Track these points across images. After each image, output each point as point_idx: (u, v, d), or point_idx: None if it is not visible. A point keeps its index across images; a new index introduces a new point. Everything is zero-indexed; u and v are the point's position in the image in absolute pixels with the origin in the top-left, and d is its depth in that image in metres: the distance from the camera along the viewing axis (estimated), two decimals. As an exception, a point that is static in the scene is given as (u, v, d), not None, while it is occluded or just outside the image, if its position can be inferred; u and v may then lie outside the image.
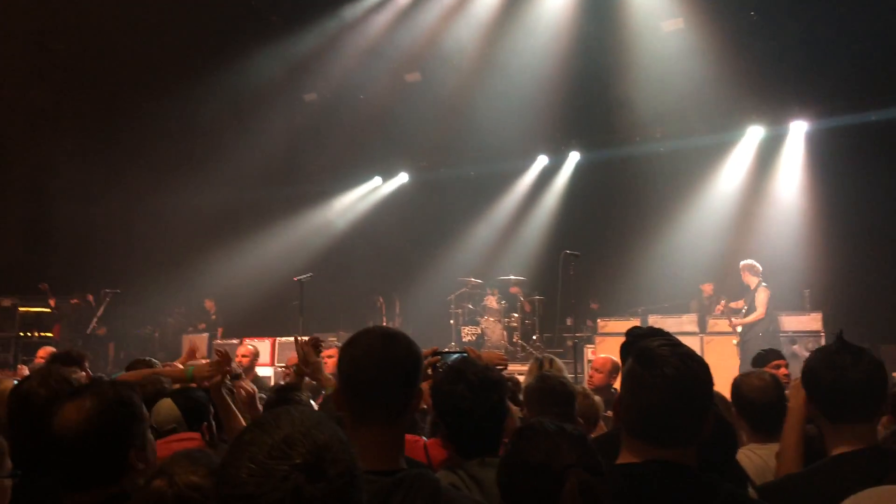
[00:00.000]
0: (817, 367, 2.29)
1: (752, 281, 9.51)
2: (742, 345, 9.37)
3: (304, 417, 1.18)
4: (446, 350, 3.02)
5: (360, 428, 1.81)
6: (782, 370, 4.77)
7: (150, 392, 3.55)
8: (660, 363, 1.85)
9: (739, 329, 9.47)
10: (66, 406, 1.99)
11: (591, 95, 12.00)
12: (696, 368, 1.86)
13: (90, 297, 12.34)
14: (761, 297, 9.35)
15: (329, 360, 6.32)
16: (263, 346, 11.15)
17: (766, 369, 4.69)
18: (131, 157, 13.14)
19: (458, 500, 1.81)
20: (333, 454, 1.14)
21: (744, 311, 9.56)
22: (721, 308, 9.75)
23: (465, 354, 2.96)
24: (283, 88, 13.29)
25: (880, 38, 9.50)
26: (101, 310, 11.81)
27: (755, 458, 2.95)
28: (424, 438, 2.91)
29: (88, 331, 11.71)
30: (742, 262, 9.62)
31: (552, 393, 3.18)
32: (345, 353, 1.89)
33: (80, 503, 1.95)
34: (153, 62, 12.30)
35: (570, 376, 4.78)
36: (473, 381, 2.42)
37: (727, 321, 9.65)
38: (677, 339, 1.96)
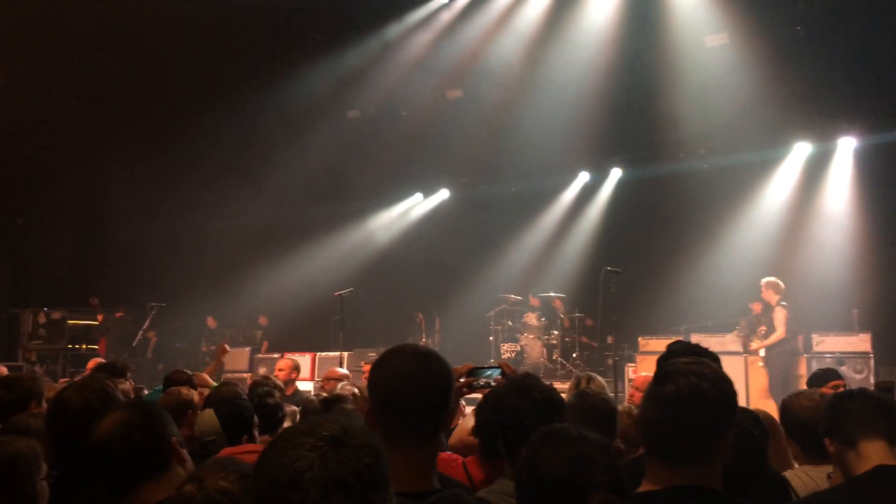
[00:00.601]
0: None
1: (773, 299, 9.40)
2: (766, 365, 9.33)
3: (332, 416, 1.36)
4: (482, 366, 3.00)
5: (392, 449, 1.75)
6: (841, 391, 4.62)
7: (224, 396, 3.66)
8: (666, 380, 1.86)
9: (762, 353, 9.38)
10: (104, 419, 2.17)
11: (634, 111, 11.91)
12: (706, 387, 1.83)
13: (119, 314, 12.60)
14: (780, 317, 9.25)
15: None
16: (304, 360, 11.25)
17: (825, 390, 4.56)
18: (179, 173, 13.42)
19: None
20: (356, 432, 1.28)
21: (762, 332, 9.48)
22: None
23: (500, 370, 2.95)
24: (327, 106, 13.45)
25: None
26: (147, 323, 12.04)
27: (807, 480, 2.88)
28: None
29: (134, 343, 11.94)
30: (765, 280, 9.50)
31: (593, 410, 3.12)
32: (376, 372, 1.88)
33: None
34: (200, 82, 12.58)
35: (610, 395, 4.71)
36: (539, 399, 2.45)
37: (747, 344, 9.63)
38: (705, 359, 1.99)
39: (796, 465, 3.13)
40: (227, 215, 13.70)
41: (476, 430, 2.75)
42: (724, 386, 1.87)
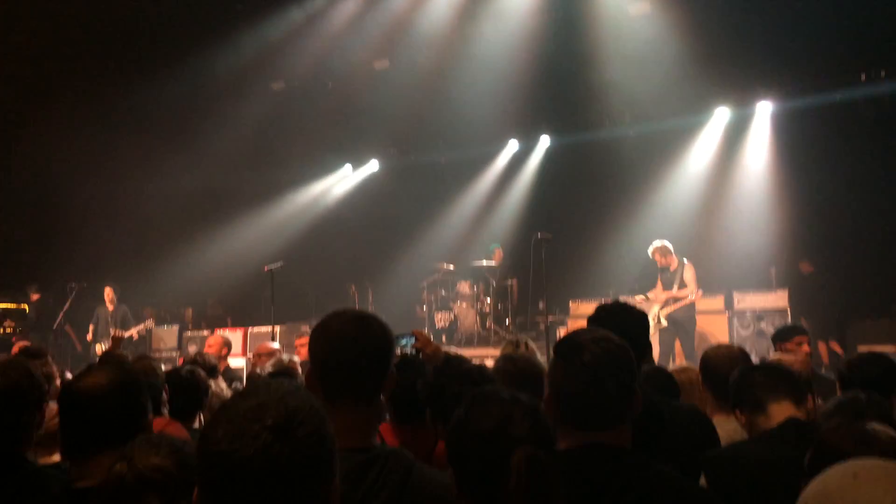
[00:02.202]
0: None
1: (671, 261, 9.27)
2: (680, 325, 9.07)
3: (279, 387, 1.27)
4: (397, 335, 3.06)
5: (333, 409, 1.76)
6: (804, 347, 4.76)
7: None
8: (578, 351, 1.93)
9: (664, 311, 9.09)
10: (90, 374, 2.18)
11: (561, 80, 12.02)
12: (615, 351, 1.93)
13: (35, 297, 12.05)
14: (691, 274, 9.14)
15: (302, 348, 6.26)
16: (236, 336, 11.07)
17: (790, 345, 4.72)
18: (94, 148, 12.85)
19: (431, 477, 1.83)
20: (302, 417, 1.22)
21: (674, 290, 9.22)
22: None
23: (414, 338, 3.01)
24: (251, 77, 13.12)
25: (843, 20, 9.62)
26: (68, 304, 11.62)
27: (721, 432, 2.99)
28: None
29: (55, 326, 11.53)
30: (654, 246, 9.37)
31: (520, 374, 3.16)
32: (317, 335, 1.93)
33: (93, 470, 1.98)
34: (119, 50, 12.07)
35: (542, 359, 4.79)
36: (478, 380, 2.63)
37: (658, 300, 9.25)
38: (599, 327, 2.11)
39: (710, 413, 3.25)
40: (147, 191, 13.28)
41: (389, 397, 2.78)
42: (626, 348, 1.96)
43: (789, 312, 9.48)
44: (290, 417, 1.21)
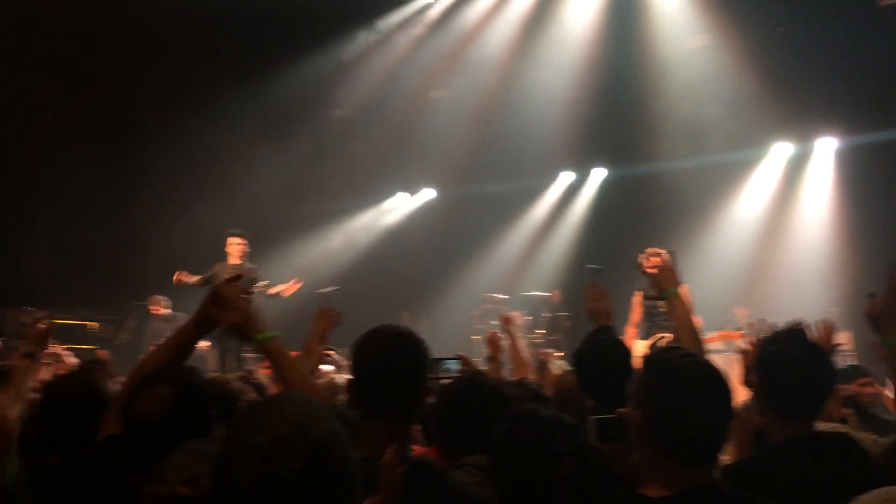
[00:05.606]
0: (782, 368, 2.33)
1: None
2: None
3: (299, 412, 1.16)
4: (442, 357, 3.09)
5: (370, 422, 1.92)
6: (868, 388, 4.66)
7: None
8: (697, 377, 1.75)
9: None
10: (145, 393, 2.05)
11: (617, 111, 12.00)
12: (721, 373, 1.80)
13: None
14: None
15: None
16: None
17: (853, 387, 4.63)
18: (150, 179, 13.05)
19: (460, 487, 1.87)
20: (330, 451, 1.14)
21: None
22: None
23: (460, 362, 3.04)
24: (310, 106, 13.40)
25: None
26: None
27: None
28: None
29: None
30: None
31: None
32: (357, 351, 2.02)
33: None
34: (176, 83, 12.33)
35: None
36: (490, 394, 2.55)
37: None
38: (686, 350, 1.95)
39: None
40: (206, 219, 13.47)
41: (436, 422, 2.80)
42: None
43: (855, 353, 9.12)
44: (318, 454, 1.12)
